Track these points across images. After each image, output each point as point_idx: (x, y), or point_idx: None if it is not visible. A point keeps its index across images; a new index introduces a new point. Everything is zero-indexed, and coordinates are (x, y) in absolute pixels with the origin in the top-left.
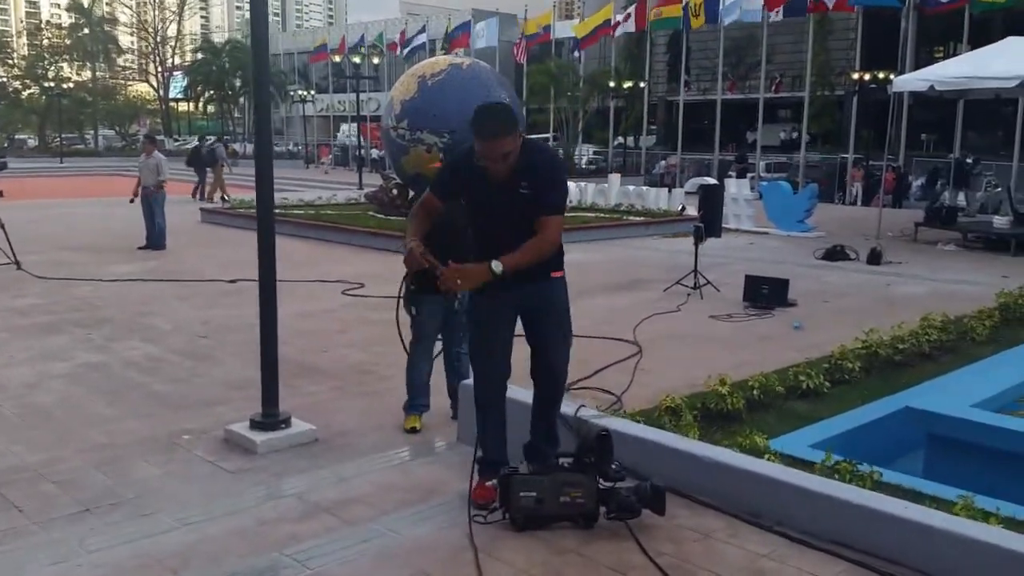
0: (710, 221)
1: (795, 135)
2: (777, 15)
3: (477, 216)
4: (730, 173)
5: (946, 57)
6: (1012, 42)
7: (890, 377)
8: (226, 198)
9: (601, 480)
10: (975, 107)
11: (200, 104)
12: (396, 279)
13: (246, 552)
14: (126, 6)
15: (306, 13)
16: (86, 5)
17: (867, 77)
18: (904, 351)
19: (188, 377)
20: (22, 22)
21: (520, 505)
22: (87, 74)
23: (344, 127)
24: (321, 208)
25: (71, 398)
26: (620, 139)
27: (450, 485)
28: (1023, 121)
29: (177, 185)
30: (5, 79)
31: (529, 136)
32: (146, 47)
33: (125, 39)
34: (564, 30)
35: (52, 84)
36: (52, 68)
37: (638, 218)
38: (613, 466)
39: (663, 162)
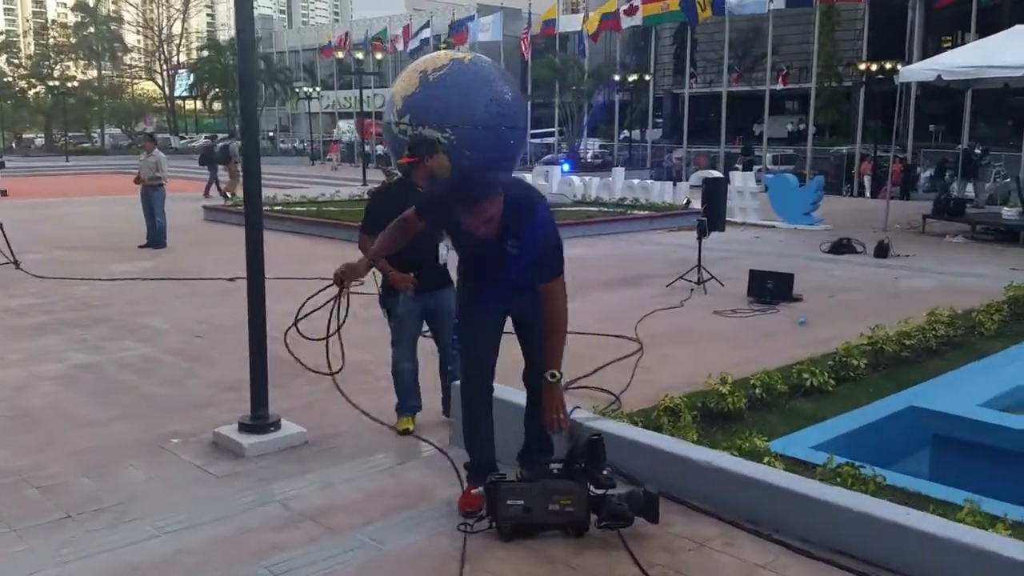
0: (713, 215)
1: (802, 127)
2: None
3: (464, 252)
4: (736, 166)
5: (954, 47)
6: (1020, 30)
7: (896, 374)
8: (228, 196)
9: (592, 487)
10: (984, 97)
11: (206, 102)
12: None
13: (226, 563)
14: (131, 4)
15: (312, 10)
16: (91, 4)
17: (874, 68)
18: (911, 347)
19: (181, 378)
20: (28, 21)
21: (507, 514)
22: (93, 73)
23: (341, 123)
24: (323, 205)
25: (61, 401)
26: (626, 133)
27: (439, 491)
28: None
29: (183, 183)
30: (11, 78)
31: (513, 185)
32: (151, 45)
33: (131, 38)
34: (568, 24)
35: (57, 83)
36: (57, 67)
37: (642, 212)
38: (604, 472)
39: (672, 154)
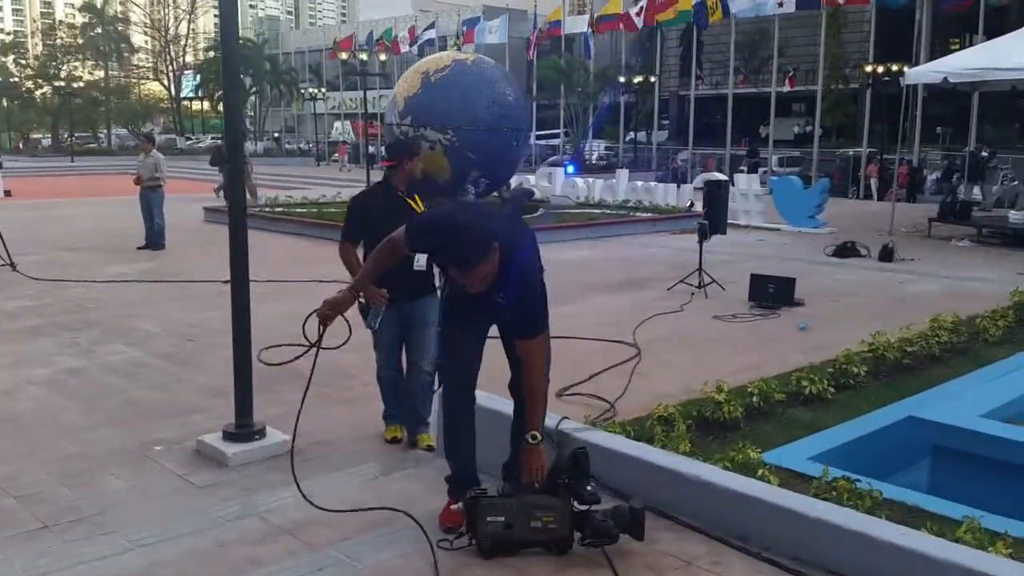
0: (715, 218)
1: (808, 129)
2: (787, 7)
3: (451, 290)
4: (741, 168)
5: (962, 49)
6: None
7: (898, 382)
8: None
9: (576, 503)
10: (991, 99)
11: (212, 103)
12: None
13: None
14: (137, 5)
15: (319, 11)
16: (99, 5)
17: (880, 70)
18: (913, 354)
19: (169, 383)
20: (35, 21)
21: (487, 531)
22: (100, 73)
23: (337, 124)
24: (324, 206)
25: (47, 406)
26: (632, 134)
27: (421, 503)
28: None
29: (186, 183)
30: (18, 79)
31: (500, 229)
32: (157, 46)
33: (138, 38)
34: (574, 25)
35: (63, 83)
36: (64, 68)
37: (645, 214)
38: (588, 487)
39: (677, 156)
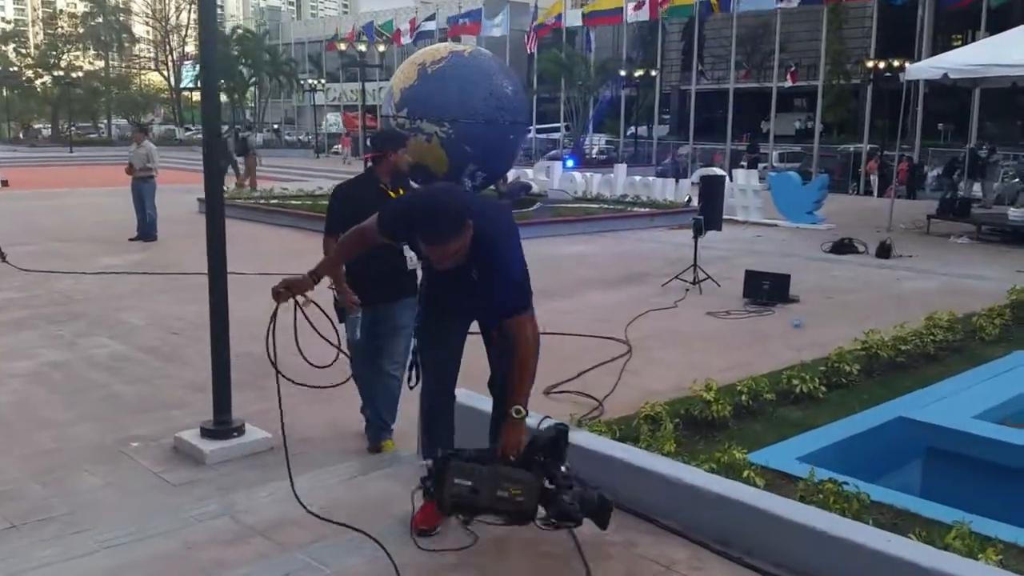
0: (710, 214)
1: (810, 125)
2: (791, 2)
3: (429, 270)
4: (742, 163)
5: (964, 45)
6: None
7: (891, 381)
8: (224, 189)
9: (547, 482)
10: (993, 96)
11: None
12: None
13: None
14: None
15: (320, 1)
16: None
17: (882, 66)
18: (907, 352)
19: (151, 377)
20: (36, 10)
21: (453, 491)
22: (100, 63)
23: (329, 116)
24: (320, 199)
25: (27, 400)
26: (633, 129)
27: (398, 505)
28: None
29: (183, 174)
30: (18, 67)
31: (481, 213)
32: (158, 36)
33: (139, 28)
34: (575, 18)
35: (63, 73)
36: (65, 57)
37: (643, 209)
38: (563, 468)
39: (677, 151)
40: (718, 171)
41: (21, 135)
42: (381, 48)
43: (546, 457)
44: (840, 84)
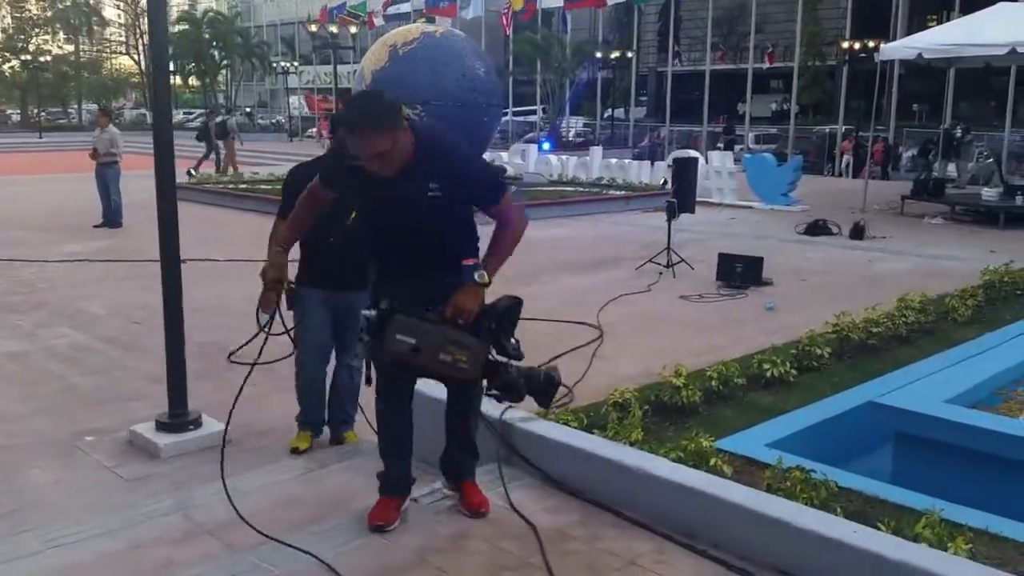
0: (683, 197)
1: (786, 106)
2: None
3: (375, 226)
4: (718, 145)
5: (939, 25)
6: (1002, 8)
7: (862, 363)
8: (192, 172)
9: (494, 352)
10: (967, 76)
11: (184, 77)
12: None
13: None
14: None
15: None
16: None
17: (857, 46)
18: (878, 335)
19: (110, 368)
20: None
21: (393, 348)
22: (70, 47)
23: (293, 99)
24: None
25: None
26: (610, 111)
27: (357, 499)
28: (1015, 90)
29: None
30: None
31: (433, 127)
32: (128, 19)
33: (110, 12)
34: (552, 0)
35: (32, 57)
36: (33, 41)
37: (619, 192)
38: (513, 340)
39: (654, 133)
40: (692, 153)
41: None
42: (353, 29)
43: (497, 326)
44: (816, 65)
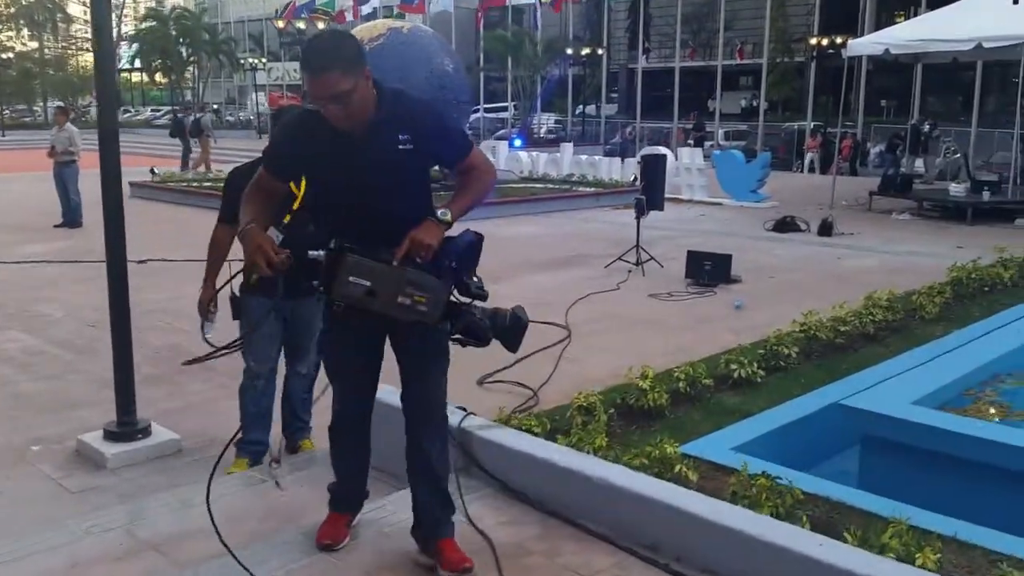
0: (652, 194)
1: (755, 103)
2: None
3: (336, 193)
4: (688, 142)
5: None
6: (968, 3)
7: (830, 363)
8: (154, 171)
9: (456, 292)
10: (935, 72)
11: (151, 74)
12: None
13: None
14: None
15: None
16: None
17: (825, 42)
18: (846, 333)
19: (63, 373)
20: None
21: (345, 292)
22: (35, 44)
23: (254, 95)
24: None
25: None
26: (581, 108)
27: (308, 513)
28: (981, 86)
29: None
30: None
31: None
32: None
33: (75, 8)
34: None
35: None
36: None
37: (588, 189)
38: (476, 279)
39: (625, 130)
40: (661, 150)
41: None
42: (321, 25)
43: (458, 264)
44: (785, 62)
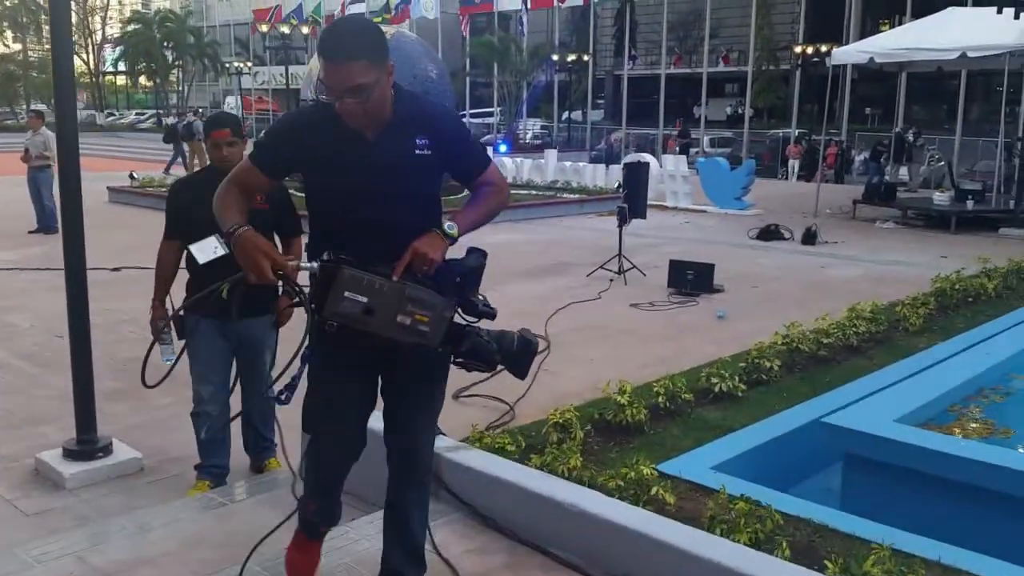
0: (634, 202)
1: (741, 110)
2: None
3: (337, 197)
4: (671, 149)
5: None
6: (953, 13)
7: (813, 376)
8: (134, 175)
9: (460, 312)
10: (919, 81)
11: (134, 78)
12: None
13: None
14: None
15: None
16: None
17: (810, 51)
18: (829, 345)
19: (26, 387)
20: None
21: (339, 309)
22: (18, 46)
23: (229, 99)
24: None
25: None
26: (567, 114)
27: (269, 539)
28: (965, 94)
29: (103, 162)
30: None
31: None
32: (78, 18)
33: None
34: (508, 2)
35: None
36: None
37: (573, 196)
38: (481, 297)
39: (610, 136)
40: (645, 157)
41: None
42: (305, 30)
43: (463, 280)
44: (770, 70)
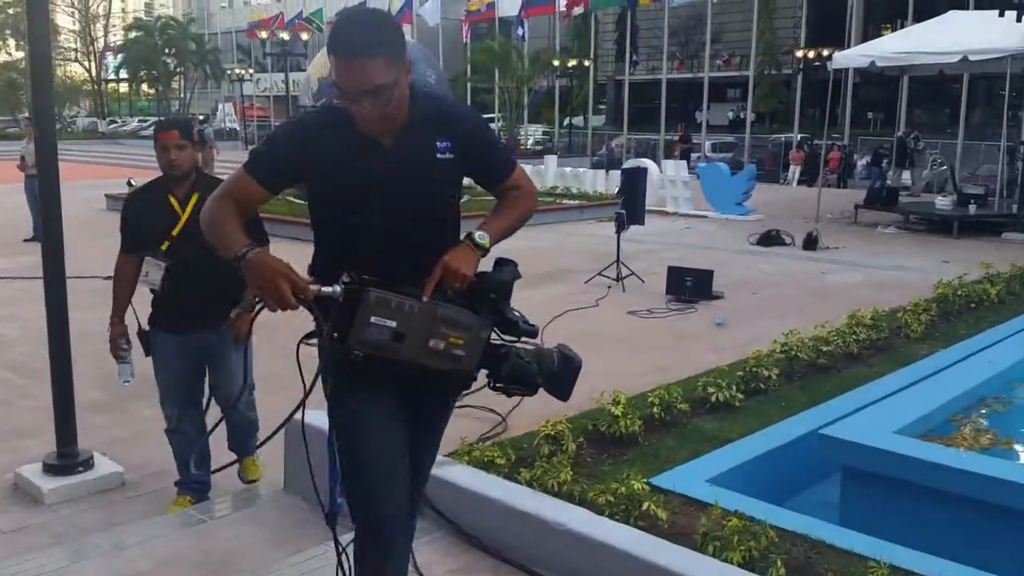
0: (632, 208)
1: (742, 115)
2: None
3: (349, 212)
4: (675, 153)
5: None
6: (954, 16)
7: (812, 384)
8: (131, 183)
9: (497, 331)
10: (921, 85)
11: (136, 85)
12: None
13: None
14: None
15: None
16: None
17: (812, 55)
18: (828, 353)
19: (12, 399)
20: None
21: (366, 337)
22: (20, 54)
23: (222, 106)
24: None
25: None
26: (568, 119)
27: (244, 558)
28: (967, 98)
29: (103, 169)
30: None
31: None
32: (80, 25)
33: (63, 19)
34: (508, 8)
35: None
36: None
37: (572, 202)
38: (517, 313)
39: (612, 141)
40: (645, 163)
41: None
42: (305, 36)
43: (498, 297)
44: (772, 74)
